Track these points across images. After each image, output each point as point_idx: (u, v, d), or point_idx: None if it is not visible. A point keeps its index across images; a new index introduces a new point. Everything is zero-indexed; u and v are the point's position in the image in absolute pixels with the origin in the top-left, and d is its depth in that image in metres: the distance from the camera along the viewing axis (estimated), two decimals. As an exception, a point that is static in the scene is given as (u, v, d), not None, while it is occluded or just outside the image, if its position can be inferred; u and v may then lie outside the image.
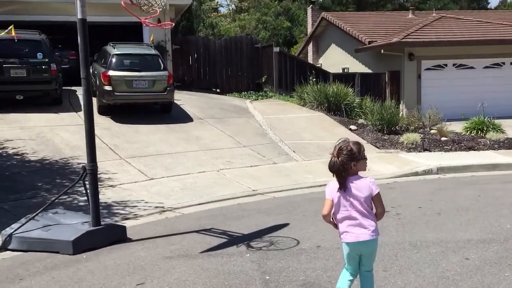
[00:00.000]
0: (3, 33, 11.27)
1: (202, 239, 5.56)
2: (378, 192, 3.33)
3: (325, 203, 3.42)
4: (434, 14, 20.44)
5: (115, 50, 12.44)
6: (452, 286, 4.15)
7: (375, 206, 3.37)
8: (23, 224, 5.50)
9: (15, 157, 9.28)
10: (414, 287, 4.14)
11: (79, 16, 5.09)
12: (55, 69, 12.44)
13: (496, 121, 12.93)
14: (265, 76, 18.23)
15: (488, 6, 41.19)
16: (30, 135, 10.52)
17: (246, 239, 5.48)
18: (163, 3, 4.89)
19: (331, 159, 3.34)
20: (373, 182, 3.35)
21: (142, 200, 7.50)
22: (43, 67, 12.27)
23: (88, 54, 5.34)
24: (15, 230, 5.47)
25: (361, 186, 3.32)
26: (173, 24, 5.59)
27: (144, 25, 5.05)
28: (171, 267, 4.65)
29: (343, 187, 3.31)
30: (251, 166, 9.67)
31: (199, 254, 5.03)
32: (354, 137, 12.19)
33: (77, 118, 12.01)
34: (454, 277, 4.34)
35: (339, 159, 3.28)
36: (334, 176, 3.34)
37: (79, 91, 14.87)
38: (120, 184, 8.27)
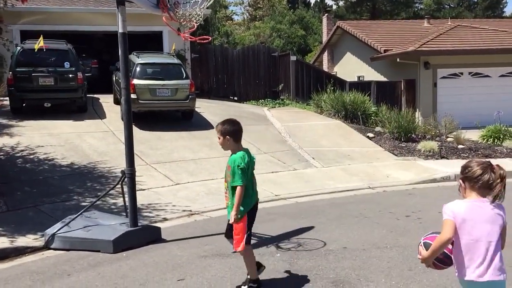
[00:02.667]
0: (36, 45, 11.76)
1: (233, 240, 5.86)
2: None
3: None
4: (449, 23, 20.65)
5: (139, 59, 12.86)
6: (474, 285, 4.40)
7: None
8: (65, 225, 5.86)
9: (47, 162, 9.69)
10: (437, 285, 4.40)
11: (121, 30, 5.45)
12: (81, 78, 12.90)
13: (513, 129, 13.09)
14: (282, 84, 18.58)
15: (503, 14, 41.15)
16: (59, 141, 10.93)
17: (275, 241, 5.78)
18: (201, 18, 5.24)
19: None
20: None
21: (170, 204, 7.82)
22: (70, 75, 12.74)
23: (128, 66, 5.70)
24: (57, 230, 5.82)
25: None
26: (210, 38, 5.90)
27: (183, 39, 5.38)
28: (208, 265, 4.96)
29: None
30: (272, 172, 9.96)
31: (232, 254, 5.32)
32: (372, 145, 12.44)
33: (102, 125, 12.44)
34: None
35: None
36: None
37: (102, 99, 15.35)
38: (148, 189, 8.62)
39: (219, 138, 4.23)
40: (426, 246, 2.90)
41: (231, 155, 4.25)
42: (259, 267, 4.41)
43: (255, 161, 4.42)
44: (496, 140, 12.81)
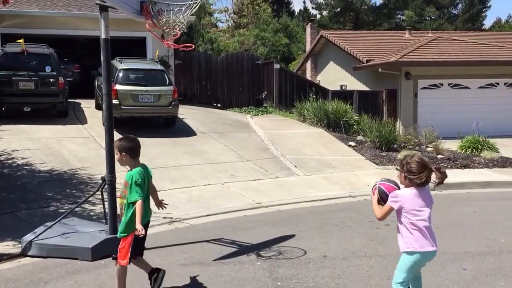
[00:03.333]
0: (20, 42, 11.64)
1: (213, 248, 5.86)
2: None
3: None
4: (430, 35, 21.01)
5: (122, 65, 12.80)
6: (451, 294, 4.46)
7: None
8: (43, 232, 5.77)
9: (25, 167, 9.54)
10: (416, 294, 4.43)
11: (103, 36, 5.42)
12: (62, 82, 12.77)
13: (491, 140, 13.32)
14: (265, 92, 18.65)
15: (483, 27, 41.98)
16: (38, 146, 10.78)
17: (255, 249, 5.78)
18: (184, 26, 5.24)
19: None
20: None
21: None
22: (51, 80, 12.60)
23: (110, 72, 5.66)
24: (35, 237, 5.73)
25: None
26: (193, 46, 5.91)
27: (167, 46, 5.38)
28: (188, 273, 4.94)
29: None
30: (255, 180, 9.97)
31: (213, 262, 5.32)
32: (353, 153, 12.55)
33: (83, 131, 12.31)
34: (453, 285, 4.65)
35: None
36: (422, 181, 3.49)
37: (84, 104, 15.21)
38: (129, 195, 8.53)
39: (117, 154, 4.37)
40: (380, 190, 3.65)
41: (128, 171, 4.34)
42: (158, 271, 4.47)
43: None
44: (474, 151, 13.01)
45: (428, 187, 3.59)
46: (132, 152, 4.31)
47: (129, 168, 4.35)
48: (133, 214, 4.19)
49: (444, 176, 3.46)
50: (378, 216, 3.62)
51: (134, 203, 4.18)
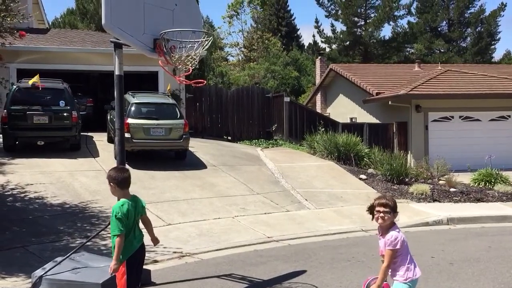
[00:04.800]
0: (31, 81, 11.88)
1: (223, 284, 5.78)
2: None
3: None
4: (439, 68, 21.13)
5: (134, 99, 12.99)
6: (468, 334, 4.34)
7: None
8: (53, 267, 5.75)
9: (37, 201, 9.59)
10: (431, 334, 4.33)
11: (117, 72, 5.54)
12: (76, 117, 12.95)
13: (504, 173, 13.17)
14: (276, 125, 18.74)
15: (492, 60, 42.10)
16: (50, 179, 10.86)
17: (266, 285, 5.70)
18: (196, 62, 5.35)
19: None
20: None
21: (161, 245, 7.68)
22: (65, 114, 12.79)
23: (123, 107, 5.76)
24: (45, 272, 5.70)
25: None
26: (205, 82, 6.01)
27: (179, 82, 5.48)
28: (197, 311, 4.87)
29: None
30: (265, 214, 9.91)
31: (223, 299, 5.25)
32: (364, 186, 12.46)
33: (95, 164, 12.40)
34: (470, 325, 4.52)
35: None
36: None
37: (96, 137, 15.37)
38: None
39: (108, 185, 4.44)
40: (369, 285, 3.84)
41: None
42: None
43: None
44: (487, 184, 12.87)
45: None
46: (121, 183, 4.34)
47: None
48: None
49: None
50: (388, 267, 3.80)
51: (115, 235, 4.19)
